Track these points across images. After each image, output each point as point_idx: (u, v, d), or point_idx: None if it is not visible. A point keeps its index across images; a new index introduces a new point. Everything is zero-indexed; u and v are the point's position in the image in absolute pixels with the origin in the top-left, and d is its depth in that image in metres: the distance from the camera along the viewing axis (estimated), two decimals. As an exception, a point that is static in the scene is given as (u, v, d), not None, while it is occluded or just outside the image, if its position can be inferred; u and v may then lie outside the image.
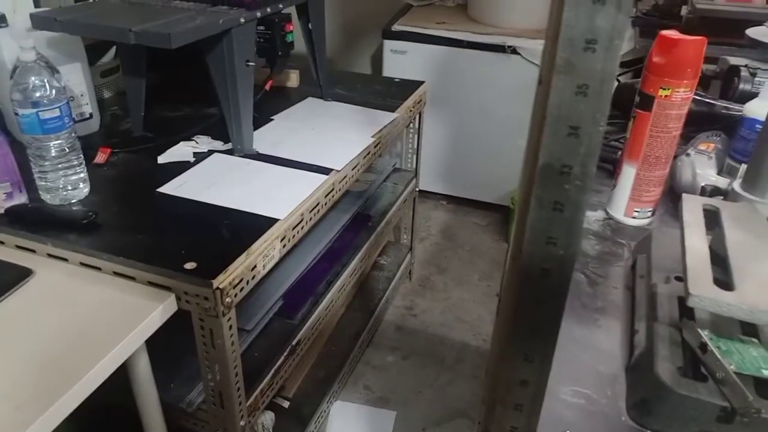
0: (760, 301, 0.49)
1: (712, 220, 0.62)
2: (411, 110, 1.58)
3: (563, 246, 0.39)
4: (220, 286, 0.86)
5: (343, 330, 1.67)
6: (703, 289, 0.49)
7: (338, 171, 1.18)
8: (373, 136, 1.33)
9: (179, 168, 1.15)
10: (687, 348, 0.54)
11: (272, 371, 1.11)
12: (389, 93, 1.59)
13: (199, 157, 1.20)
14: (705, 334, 0.52)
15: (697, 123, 1.00)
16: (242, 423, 1.01)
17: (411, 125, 1.75)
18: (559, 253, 0.40)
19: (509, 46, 2.07)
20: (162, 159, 1.19)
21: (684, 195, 0.66)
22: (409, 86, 1.64)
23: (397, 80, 1.70)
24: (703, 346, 0.52)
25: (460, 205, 2.52)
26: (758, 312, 0.48)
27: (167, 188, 1.08)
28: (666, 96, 0.74)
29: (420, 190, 1.91)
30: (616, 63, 0.36)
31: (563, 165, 0.38)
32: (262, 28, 1.32)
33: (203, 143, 1.25)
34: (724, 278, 0.53)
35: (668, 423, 0.51)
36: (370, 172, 1.70)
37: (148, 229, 0.97)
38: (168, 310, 0.87)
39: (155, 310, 0.84)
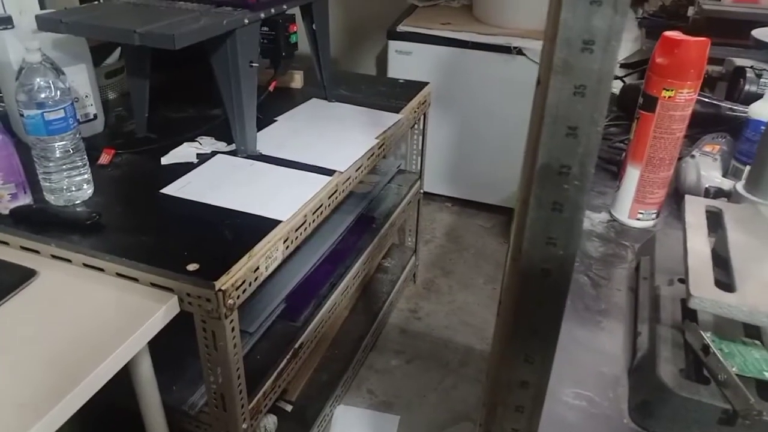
0: (761, 302, 0.48)
1: (715, 221, 0.62)
2: (415, 111, 1.58)
3: (563, 246, 0.39)
4: (222, 288, 0.86)
5: (346, 333, 1.66)
6: (704, 291, 0.49)
7: (341, 172, 1.18)
8: (377, 138, 1.33)
9: (183, 169, 1.15)
10: (689, 350, 0.54)
11: (275, 374, 1.11)
12: (393, 94, 1.58)
13: (203, 158, 1.20)
14: (707, 336, 0.52)
15: (703, 124, 0.99)
16: (244, 426, 1.01)
17: (416, 126, 1.75)
18: (558, 253, 0.40)
19: (515, 47, 2.07)
20: (165, 160, 1.19)
21: (687, 197, 0.66)
22: (413, 87, 1.64)
23: (401, 81, 1.70)
24: (706, 348, 0.51)
25: (465, 207, 2.52)
26: (758, 314, 0.48)
27: (170, 189, 1.09)
28: (669, 97, 0.74)
29: (425, 192, 1.90)
30: (613, 63, 0.36)
31: (562, 165, 0.38)
32: (266, 29, 1.32)
33: (207, 144, 1.25)
34: (726, 280, 0.53)
35: (670, 425, 0.51)
36: (375, 174, 1.70)
37: (151, 231, 0.98)
38: (170, 311, 0.87)
39: (158, 312, 0.84)
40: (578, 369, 0.60)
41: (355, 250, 1.46)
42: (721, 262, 0.56)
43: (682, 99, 0.73)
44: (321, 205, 1.12)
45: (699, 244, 0.56)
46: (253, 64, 1.16)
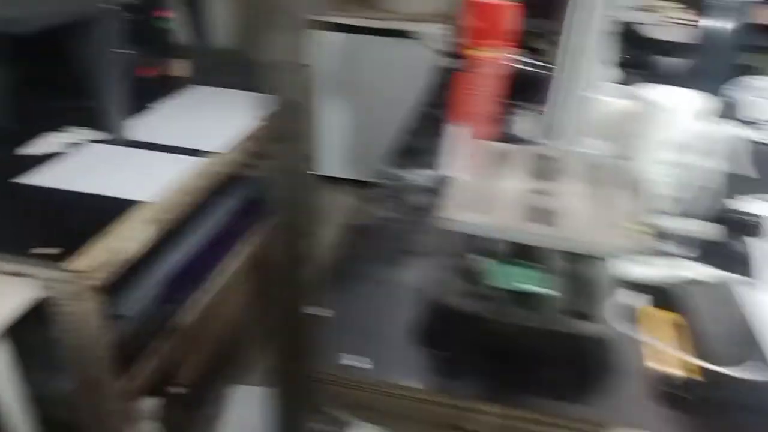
0: (505, 222, 0.54)
1: (500, 160, 0.68)
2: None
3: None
4: (81, 269, 0.86)
5: (242, 315, 1.67)
6: (453, 213, 0.54)
7: (216, 154, 1.19)
8: (258, 120, 1.34)
9: (47, 158, 1.14)
10: (468, 274, 0.59)
11: (151, 356, 1.11)
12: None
13: (69, 146, 1.19)
14: (481, 260, 0.57)
15: (530, 87, 1.06)
16: (118, 408, 1.01)
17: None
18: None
19: (406, 31, 2.13)
20: (28, 150, 1.17)
21: (466, 139, 0.72)
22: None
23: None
24: (478, 271, 0.57)
25: (366, 188, 2.54)
26: (499, 230, 0.54)
27: (30, 179, 1.07)
28: (478, 56, 0.79)
29: (326, 176, 1.93)
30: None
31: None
32: (132, 15, 1.31)
33: (75, 133, 1.24)
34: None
35: (450, 341, 0.56)
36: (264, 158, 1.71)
37: (6, 220, 0.96)
38: (28, 297, 0.86)
39: (15, 299, 0.84)
40: (381, 305, 0.65)
41: (241, 233, 1.47)
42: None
43: (488, 57, 0.79)
44: (194, 187, 1.13)
45: (464, 175, 0.61)
46: (116, 51, 1.16)
